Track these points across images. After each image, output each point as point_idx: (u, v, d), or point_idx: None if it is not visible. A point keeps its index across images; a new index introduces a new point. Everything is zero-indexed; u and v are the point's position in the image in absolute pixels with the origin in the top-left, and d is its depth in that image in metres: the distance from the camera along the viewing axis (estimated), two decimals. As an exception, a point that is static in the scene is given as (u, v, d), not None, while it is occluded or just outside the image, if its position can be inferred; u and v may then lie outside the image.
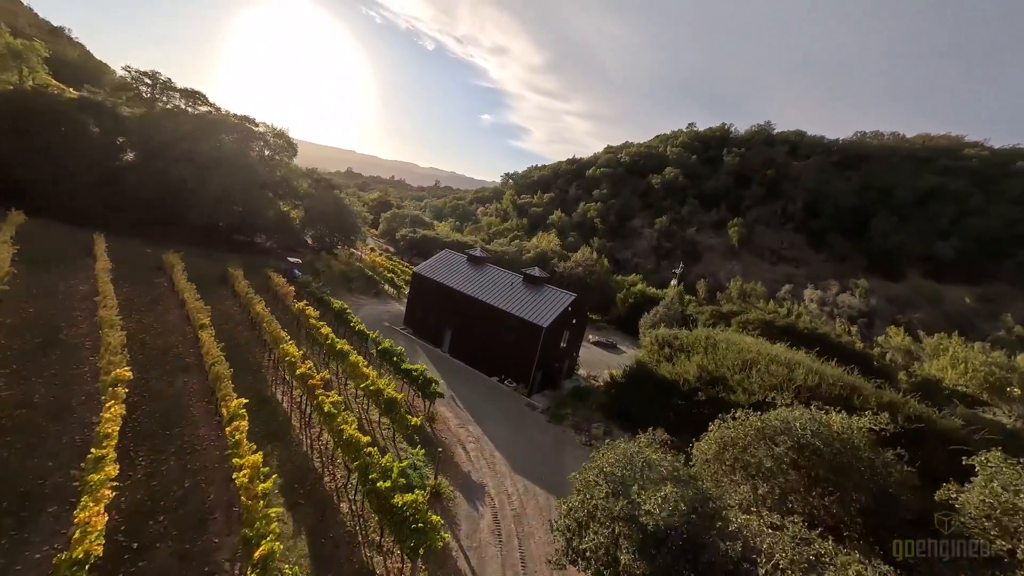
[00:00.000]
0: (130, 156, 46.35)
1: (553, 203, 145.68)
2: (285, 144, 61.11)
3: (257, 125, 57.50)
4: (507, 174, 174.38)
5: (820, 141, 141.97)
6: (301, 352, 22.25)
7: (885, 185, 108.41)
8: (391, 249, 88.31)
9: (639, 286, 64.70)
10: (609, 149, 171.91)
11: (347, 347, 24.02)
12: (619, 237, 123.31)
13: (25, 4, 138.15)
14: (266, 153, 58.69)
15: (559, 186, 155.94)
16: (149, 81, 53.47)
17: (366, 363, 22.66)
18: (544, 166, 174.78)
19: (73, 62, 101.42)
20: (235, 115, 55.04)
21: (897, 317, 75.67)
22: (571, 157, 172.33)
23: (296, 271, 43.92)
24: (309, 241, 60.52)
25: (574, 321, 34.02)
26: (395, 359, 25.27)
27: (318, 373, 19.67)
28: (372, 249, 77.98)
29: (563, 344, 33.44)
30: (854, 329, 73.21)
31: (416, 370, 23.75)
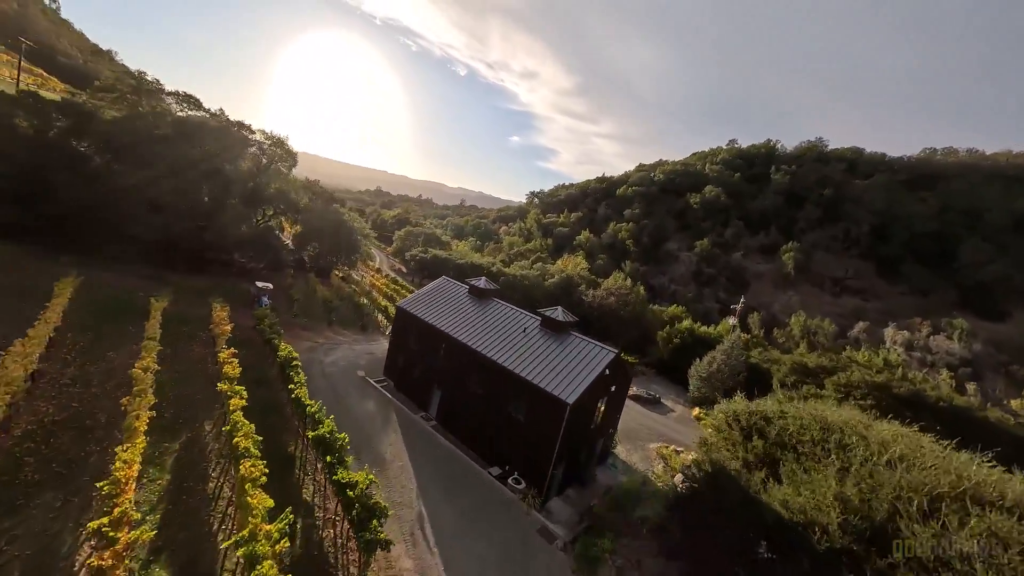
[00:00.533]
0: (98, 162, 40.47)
1: (580, 223, 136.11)
2: (283, 154, 54.73)
3: (253, 132, 51.35)
4: (532, 192, 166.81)
5: (882, 159, 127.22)
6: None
7: (971, 207, 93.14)
8: (404, 269, 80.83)
9: (685, 322, 53.41)
10: (641, 167, 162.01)
11: (249, 443, 14.82)
12: (653, 261, 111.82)
13: (76, 28, 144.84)
14: (263, 161, 52.41)
15: (587, 205, 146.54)
16: (133, 82, 48.37)
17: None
18: (571, 184, 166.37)
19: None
20: (227, 119, 49.09)
21: (1012, 368, 60.75)
22: (600, 175, 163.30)
23: (264, 298, 35.85)
24: (305, 259, 53.29)
25: (613, 388, 23.76)
26: (331, 458, 15.87)
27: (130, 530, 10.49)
28: (378, 270, 70.36)
29: (596, 422, 23.21)
30: (945, 378, 58.78)
31: (354, 486, 14.22)
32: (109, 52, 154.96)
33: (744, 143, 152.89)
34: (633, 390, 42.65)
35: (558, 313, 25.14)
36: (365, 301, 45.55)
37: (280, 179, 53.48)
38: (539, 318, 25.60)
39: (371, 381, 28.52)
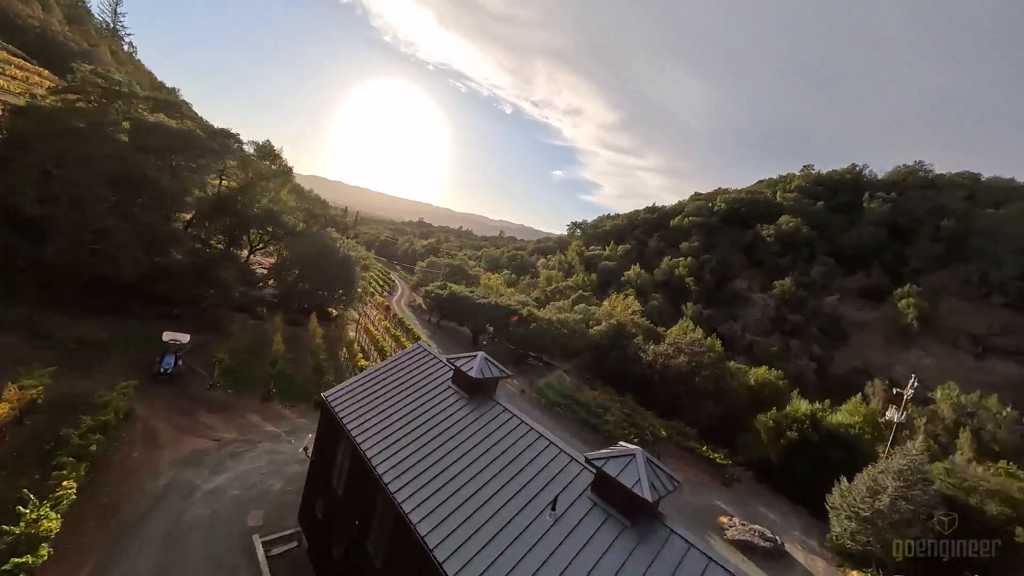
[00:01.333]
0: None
1: (629, 257, 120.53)
2: (277, 170, 45.35)
3: (239, 142, 42.35)
4: (574, 223, 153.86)
5: (1008, 184, 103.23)
6: None
7: None
8: (423, 306, 68.98)
9: (801, 405, 35.99)
10: (697, 196, 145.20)
11: None
12: (719, 303, 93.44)
13: (146, 68, 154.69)
14: (249, 175, 43.04)
15: (636, 237, 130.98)
16: (102, 82, 41.07)
17: None
18: (618, 215, 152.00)
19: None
20: (199, 124, 40.48)
21: None
22: (651, 205, 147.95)
23: (171, 358, 24.08)
24: (273, 297, 42.27)
25: None
26: None
27: None
28: (387, 308, 58.68)
29: None
30: None
31: None
32: (175, 90, 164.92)
33: (786, 172, 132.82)
34: (732, 527, 26.15)
35: (640, 474, 10.40)
36: (323, 360, 32.35)
37: (268, 197, 43.72)
38: (592, 470, 11.18)
39: (261, 551, 14.88)
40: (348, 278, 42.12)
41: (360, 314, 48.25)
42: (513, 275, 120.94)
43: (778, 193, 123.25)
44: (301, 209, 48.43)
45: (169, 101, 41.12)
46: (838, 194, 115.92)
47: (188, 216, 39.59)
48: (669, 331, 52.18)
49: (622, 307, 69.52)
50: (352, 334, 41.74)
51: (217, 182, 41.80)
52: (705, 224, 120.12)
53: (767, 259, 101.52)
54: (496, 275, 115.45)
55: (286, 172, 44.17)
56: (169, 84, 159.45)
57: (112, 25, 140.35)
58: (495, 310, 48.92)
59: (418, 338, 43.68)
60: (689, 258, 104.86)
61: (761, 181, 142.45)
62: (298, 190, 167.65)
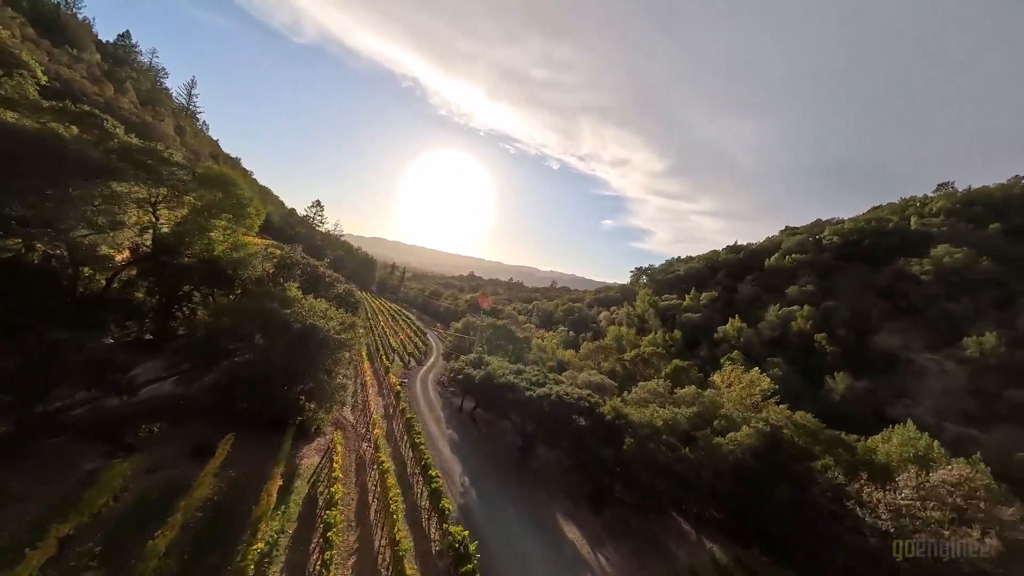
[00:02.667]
0: None
1: (715, 306, 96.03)
2: (236, 201, 31.12)
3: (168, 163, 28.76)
4: (639, 269, 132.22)
5: None
6: None
7: None
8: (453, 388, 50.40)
9: None
10: (793, 231, 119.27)
11: None
12: (869, 369, 65.77)
13: (211, 138, 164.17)
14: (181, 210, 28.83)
15: (721, 282, 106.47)
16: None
17: None
18: (691, 258, 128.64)
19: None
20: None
21: None
22: (732, 244, 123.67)
23: None
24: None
25: None
26: None
27: None
28: (396, 392, 40.51)
29: None
30: None
31: None
32: (238, 160, 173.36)
33: (852, 209, 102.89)
34: None
35: None
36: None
37: (205, 243, 28.85)
38: None
39: None
40: (309, 364, 24.80)
41: (335, 426, 30.27)
42: (571, 332, 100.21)
43: (912, 219, 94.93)
44: (274, 256, 33.53)
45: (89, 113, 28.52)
46: (1007, 215, 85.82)
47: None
48: (875, 445, 28.63)
49: (746, 383, 46.19)
50: (313, 462, 23.56)
51: (141, 216, 27.75)
52: (815, 262, 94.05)
53: (926, 304, 72.94)
54: (550, 333, 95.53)
55: (242, 204, 29.55)
56: (235, 154, 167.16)
57: (187, 105, 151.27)
58: (558, 408, 28.86)
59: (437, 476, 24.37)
60: (806, 306, 78.78)
61: (877, 208, 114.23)
62: (346, 248, 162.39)
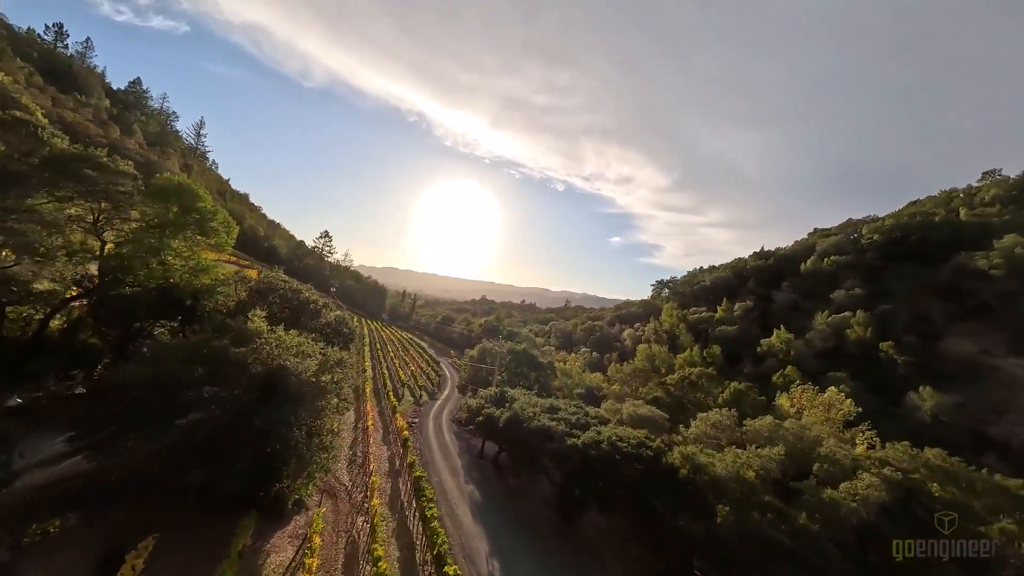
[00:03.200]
0: None
1: (750, 317, 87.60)
2: (192, 216, 25.73)
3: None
4: (660, 282, 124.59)
5: None
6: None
7: None
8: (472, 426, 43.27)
9: None
10: (824, 232, 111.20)
11: None
12: (946, 380, 56.51)
13: (219, 175, 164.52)
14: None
15: (752, 290, 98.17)
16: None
17: None
18: (715, 267, 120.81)
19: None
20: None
21: None
22: (759, 250, 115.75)
23: None
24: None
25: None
26: None
27: None
28: (404, 440, 33.55)
29: None
30: None
31: None
32: (247, 196, 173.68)
33: (862, 210, 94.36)
34: None
35: None
36: None
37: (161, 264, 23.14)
38: None
39: None
40: (280, 420, 17.95)
41: (324, 493, 23.42)
42: (594, 353, 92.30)
43: (961, 211, 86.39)
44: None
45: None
46: (1075, 199, 77.08)
47: None
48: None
49: (814, 406, 38.03)
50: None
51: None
52: (858, 264, 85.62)
53: (1001, 302, 63.90)
54: (573, 355, 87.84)
55: (204, 219, 23.98)
56: (244, 191, 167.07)
57: (195, 145, 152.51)
58: (611, 459, 21.58)
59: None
60: (858, 312, 70.19)
61: (915, 203, 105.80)
62: (356, 277, 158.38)
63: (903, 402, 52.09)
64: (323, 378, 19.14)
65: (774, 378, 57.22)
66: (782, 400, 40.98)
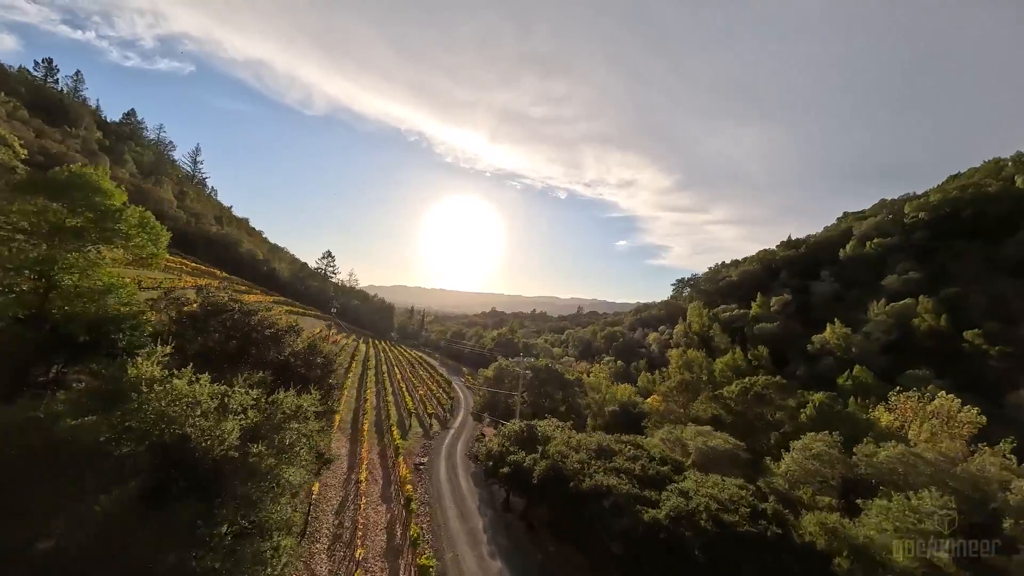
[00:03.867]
0: None
1: (789, 311, 78.62)
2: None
3: None
4: (681, 281, 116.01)
5: None
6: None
7: None
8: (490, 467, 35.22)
9: None
10: (859, 215, 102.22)
11: None
12: (1051, 371, 47.09)
13: (215, 200, 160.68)
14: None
15: (786, 283, 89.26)
16: None
17: None
18: (741, 260, 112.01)
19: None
20: None
21: None
22: (786, 239, 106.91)
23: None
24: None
25: None
26: None
27: None
28: (407, 502, 25.80)
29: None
30: None
31: None
32: (245, 219, 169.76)
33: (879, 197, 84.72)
34: None
35: None
36: None
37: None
38: None
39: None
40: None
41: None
42: (618, 361, 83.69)
43: (1017, 179, 77.16)
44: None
45: None
46: None
47: None
48: None
49: (925, 418, 29.40)
50: None
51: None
52: (907, 245, 76.68)
53: (1095, 277, 54.47)
54: (596, 365, 79.47)
55: (104, 217, 16.97)
56: (247, 216, 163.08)
57: (192, 172, 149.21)
58: (726, 547, 13.57)
59: None
60: (921, 298, 61.12)
61: (955, 176, 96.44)
62: (362, 296, 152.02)
63: (1005, 401, 42.97)
64: (256, 449, 11.72)
65: (840, 381, 48.39)
66: (878, 412, 32.42)
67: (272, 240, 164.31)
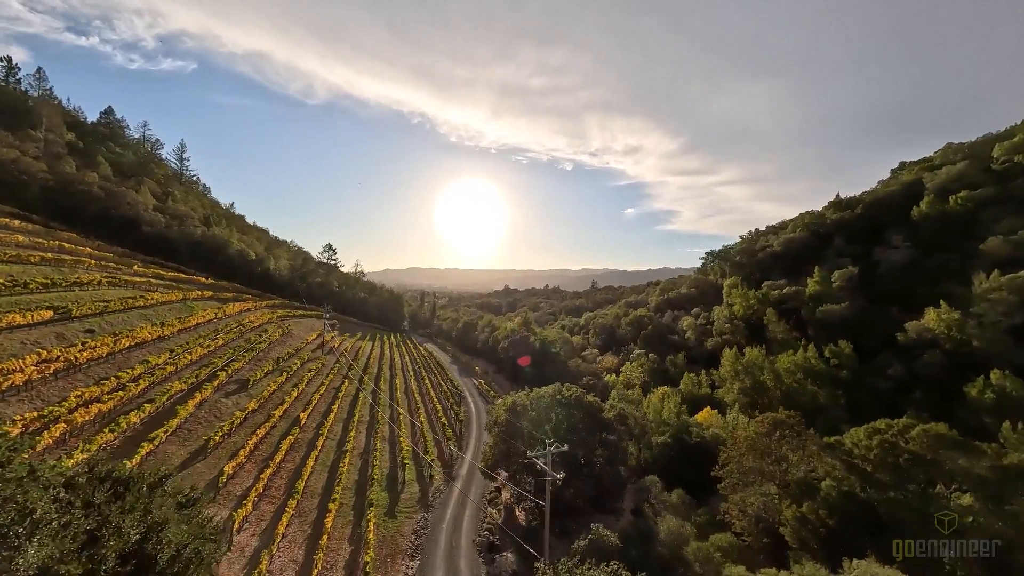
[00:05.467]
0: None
1: (850, 287, 64.02)
2: None
3: None
4: (711, 253, 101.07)
5: None
6: None
7: None
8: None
9: None
10: (924, 163, 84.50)
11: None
12: None
13: (200, 191, 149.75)
14: None
15: (842, 252, 73.98)
16: None
17: None
18: (780, 225, 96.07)
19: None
20: None
21: None
22: (835, 199, 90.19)
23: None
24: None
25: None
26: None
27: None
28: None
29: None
30: None
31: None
32: (228, 205, 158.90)
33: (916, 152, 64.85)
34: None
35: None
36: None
37: None
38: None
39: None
40: None
41: None
42: (650, 355, 70.94)
43: None
44: None
45: None
46: None
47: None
48: None
49: None
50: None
51: None
52: (1008, 196, 60.32)
53: None
54: (628, 364, 67.08)
55: None
56: (251, 214, 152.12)
57: (180, 169, 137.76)
58: None
59: None
60: (1049, 265, 45.83)
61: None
62: (369, 288, 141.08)
63: None
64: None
65: (971, 391, 34.93)
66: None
67: (279, 236, 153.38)
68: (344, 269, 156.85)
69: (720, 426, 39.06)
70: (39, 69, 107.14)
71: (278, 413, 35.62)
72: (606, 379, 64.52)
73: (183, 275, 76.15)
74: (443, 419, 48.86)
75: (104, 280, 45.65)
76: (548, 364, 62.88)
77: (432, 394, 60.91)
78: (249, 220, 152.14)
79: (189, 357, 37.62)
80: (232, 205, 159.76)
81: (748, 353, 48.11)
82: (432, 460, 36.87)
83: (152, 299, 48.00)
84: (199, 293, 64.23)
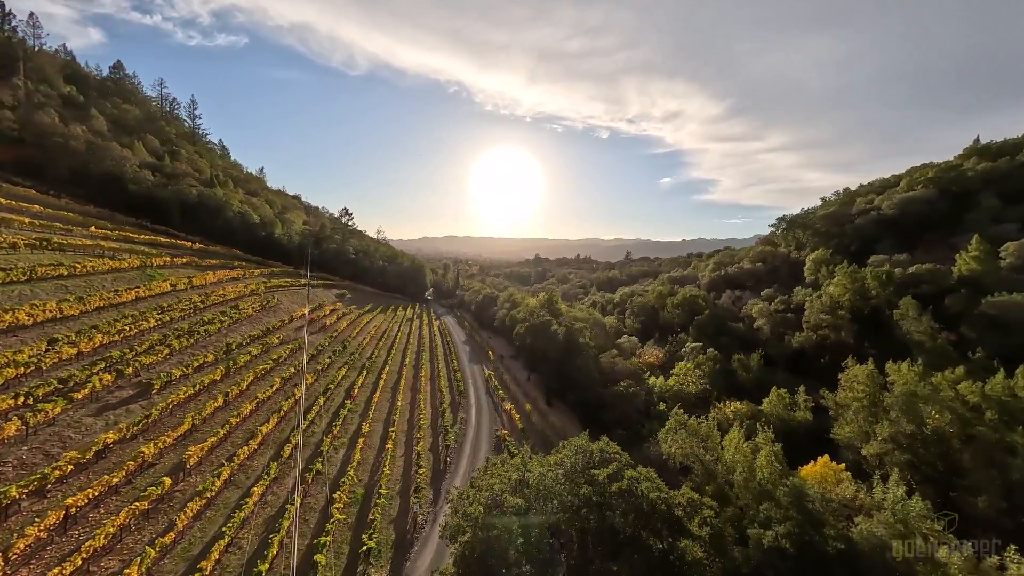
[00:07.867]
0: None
1: (1019, 263, 41.67)
2: None
3: None
4: (782, 218, 78.34)
5: None
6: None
7: None
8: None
9: None
10: None
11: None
12: None
13: (210, 150, 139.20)
14: None
15: (997, 214, 50.31)
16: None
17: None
18: (876, 186, 71.12)
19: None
20: None
21: None
22: (973, 143, 63.93)
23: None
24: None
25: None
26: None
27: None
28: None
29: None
30: None
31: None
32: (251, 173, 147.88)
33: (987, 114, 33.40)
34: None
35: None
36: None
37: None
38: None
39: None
40: None
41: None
42: (712, 352, 52.18)
43: None
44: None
45: None
46: None
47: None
48: None
49: None
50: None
51: None
52: None
53: None
54: (681, 363, 49.19)
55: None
56: (289, 180, 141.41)
57: (192, 127, 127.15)
58: None
59: None
60: None
61: None
62: (389, 256, 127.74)
63: None
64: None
65: None
66: None
67: (310, 200, 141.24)
68: (370, 235, 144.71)
69: (870, 505, 21.46)
70: (31, 15, 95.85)
71: (148, 451, 21.76)
72: (649, 382, 47.46)
73: (163, 239, 64.39)
74: (422, 445, 34.21)
75: (35, 242, 33.94)
76: (573, 359, 46.40)
77: (426, 392, 46.55)
78: (289, 191, 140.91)
79: (85, 345, 24.67)
80: (262, 171, 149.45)
81: (890, 371, 29.15)
82: (419, 496, 22.02)
83: (89, 266, 35.66)
84: (168, 259, 51.91)
